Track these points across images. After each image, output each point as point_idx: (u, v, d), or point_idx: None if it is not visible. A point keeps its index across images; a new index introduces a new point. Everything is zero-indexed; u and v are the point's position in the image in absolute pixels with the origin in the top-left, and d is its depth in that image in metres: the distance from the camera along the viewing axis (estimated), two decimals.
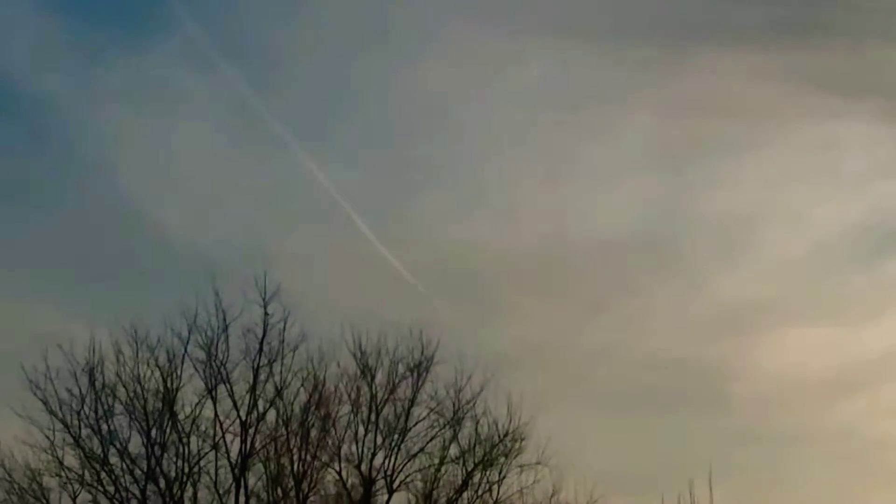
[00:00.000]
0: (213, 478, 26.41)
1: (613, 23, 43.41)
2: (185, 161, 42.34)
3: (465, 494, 27.59)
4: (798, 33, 43.09)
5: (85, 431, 25.87)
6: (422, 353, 27.65)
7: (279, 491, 26.81)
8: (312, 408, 27.23)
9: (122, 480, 25.97)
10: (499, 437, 27.45)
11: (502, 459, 27.61)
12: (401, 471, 27.24)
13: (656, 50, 43.36)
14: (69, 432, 25.73)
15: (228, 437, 26.45)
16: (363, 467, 27.00)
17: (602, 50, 42.79)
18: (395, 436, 27.23)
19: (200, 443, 26.54)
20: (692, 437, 36.51)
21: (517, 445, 27.55)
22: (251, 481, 26.64)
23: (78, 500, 25.95)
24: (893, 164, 45.72)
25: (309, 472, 27.02)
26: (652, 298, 42.02)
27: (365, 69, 45.03)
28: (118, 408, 26.24)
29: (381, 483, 27.03)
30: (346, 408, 27.54)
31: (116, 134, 42.55)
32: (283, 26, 45.00)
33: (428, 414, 27.69)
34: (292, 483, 26.74)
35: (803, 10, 42.84)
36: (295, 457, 26.88)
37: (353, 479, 27.29)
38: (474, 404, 27.61)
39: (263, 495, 26.77)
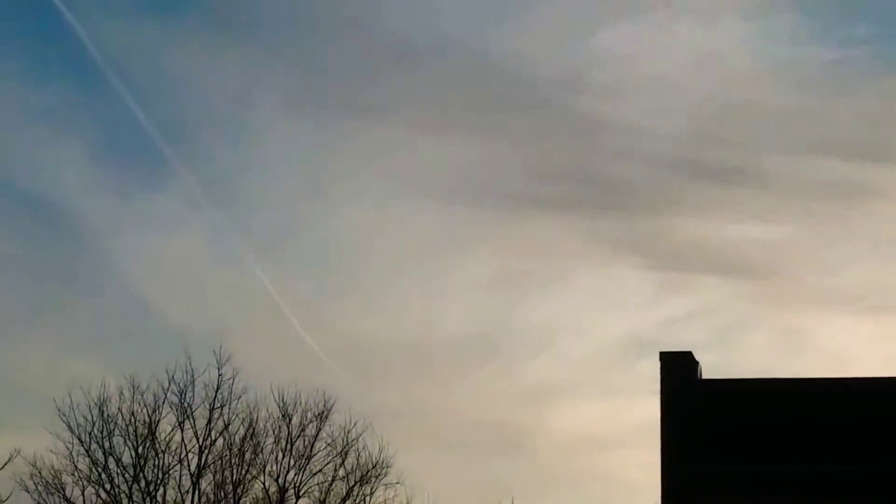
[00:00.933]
0: (178, 482, 37.64)
1: (469, 192, 60.91)
2: (178, 268, 58.54)
3: (347, 502, 39.41)
4: (591, 205, 60.69)
5: (94, 446, 36.89)
6: (324, 405, 39.19)
7: (222, 493, 38.32)
8: (248, 438, 38.62)
9: (117, 480, 37.07)
10: (373, 464, 38.93)
11: (374, 479, 38.98)
12: (305, 484, 38.71)
13: (499, 210, 61.63)
14: (82, 445, 36.77)
15: (191, 455, 37.64)
16: (280, 480, 38.45)
17: (460, 210, 61.93)
18: (303, 460, 38.66)
19: (171, 458, 37.69)
20: (505, 473, 50.81)
21: (384, 470, 38.90)
22: (203, 486, 37.84)
23: (86, 493, 36.92)
24: (649, 297, 63.30)
25: (243, 482, 38.36)
26: (482, 378, 58.03)
27: (310, 209, 64.66)
28: (117, 431, 37.29)
29: (291, 492, 38.56)
30: (270, 439, 38.90)
31: (132, 247, 60.16)
32: (252, 177, 64.66)
33: (326, 446, 39.05)
34: (231, 489, 38.17)
35: (595, 189, 60.62)
36: (234, 471, 38.22)
37: (272, 488, 38.54)
38: (357, 441, 39.10)
39: (212, 496, 38.20)
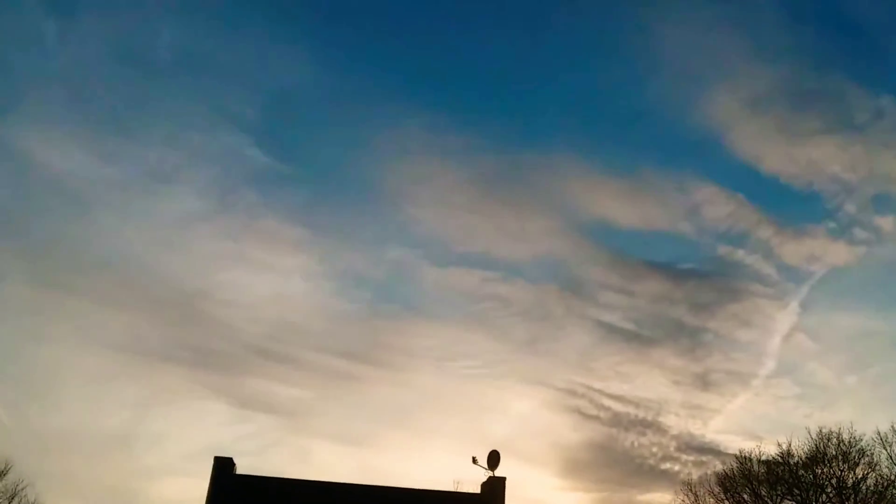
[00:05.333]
0: None
1: (136, 351, 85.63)
2: None
3: None
4: (203, 365, 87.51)
5: None
6: None
7: None
8: None
9: None
10: None
11: None
12: None
13: (148, 359, 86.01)
14: None
15: None
16: None
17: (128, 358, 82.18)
18: None
19: None
20: None
21: None
22: None
23: None
24: (226, 423, 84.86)
25: None
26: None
27: None
28: None
29: None
30: None
31: None
32: None
33: None
34: None
35: (210, 357, 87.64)
36: None
37: None
38: None
39: None
